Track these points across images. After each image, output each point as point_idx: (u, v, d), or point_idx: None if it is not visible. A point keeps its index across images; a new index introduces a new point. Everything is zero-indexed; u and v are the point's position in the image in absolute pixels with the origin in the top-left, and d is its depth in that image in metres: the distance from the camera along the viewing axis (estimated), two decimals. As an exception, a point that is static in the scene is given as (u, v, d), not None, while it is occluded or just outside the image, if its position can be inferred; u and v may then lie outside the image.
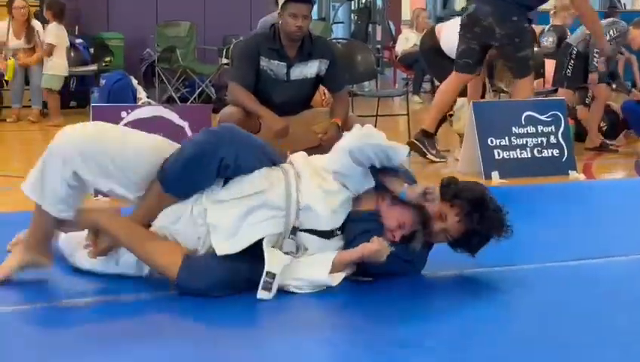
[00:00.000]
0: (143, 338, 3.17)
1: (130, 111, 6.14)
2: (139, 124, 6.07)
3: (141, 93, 10.72)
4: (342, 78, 6.31)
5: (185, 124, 6.17)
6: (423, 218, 3.79)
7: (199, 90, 11.63)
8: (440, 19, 14.78)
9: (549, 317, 3.50)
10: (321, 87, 6.50)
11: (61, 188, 3.66)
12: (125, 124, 6.03)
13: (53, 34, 10.55)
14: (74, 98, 11.18)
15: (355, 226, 3.83)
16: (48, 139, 3.76)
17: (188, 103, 11.00)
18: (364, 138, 3.81)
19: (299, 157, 4.02)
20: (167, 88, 11.83)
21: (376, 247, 3.68)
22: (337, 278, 3.70)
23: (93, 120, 6.08)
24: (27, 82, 10.68)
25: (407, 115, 8.10)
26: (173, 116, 6.18)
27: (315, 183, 3.83)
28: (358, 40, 14.47)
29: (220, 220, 3.69)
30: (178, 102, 11.43)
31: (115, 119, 6.03)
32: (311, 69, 6.08)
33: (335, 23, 17.57)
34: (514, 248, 3.99)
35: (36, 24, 10.85)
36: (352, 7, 18.11)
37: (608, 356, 3.09)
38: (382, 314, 3.50)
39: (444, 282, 4.01)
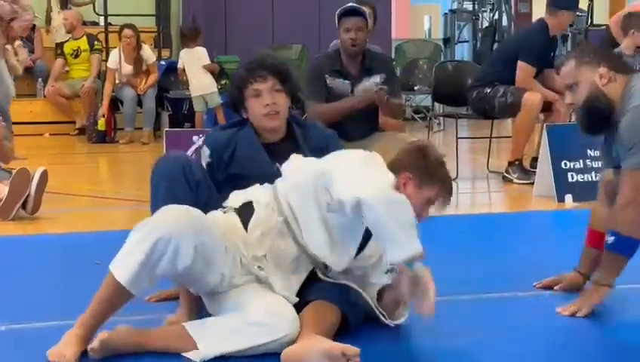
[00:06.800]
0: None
1: (201, 135, 6.36)
2: (211, 148, 6.32)
3: (247, 115, 11.03)
4: (397, 91, 6.55)
5: (255, 147, 6.36)
6: None
7: (310, 111, 11.79)
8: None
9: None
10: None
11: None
12: (197, 147, 6.30)
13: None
14: (187, 120, 11.54)
15: None
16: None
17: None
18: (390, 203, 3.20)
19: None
20: (278, 110, 12.06)
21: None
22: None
23: (166, 144, 6.37)
24: (140, 104, 11.16)
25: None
26: (243, 140, 6.37)
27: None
28: (483, 59, 14.38)
29: None
30: (288, 123, 11.64)
31: (188, 143, 6.30)
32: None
33: (460, 42, 17.58)
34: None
35: (146, 50, 11.34)
36: (478, 26, 18.02)
37: None
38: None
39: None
